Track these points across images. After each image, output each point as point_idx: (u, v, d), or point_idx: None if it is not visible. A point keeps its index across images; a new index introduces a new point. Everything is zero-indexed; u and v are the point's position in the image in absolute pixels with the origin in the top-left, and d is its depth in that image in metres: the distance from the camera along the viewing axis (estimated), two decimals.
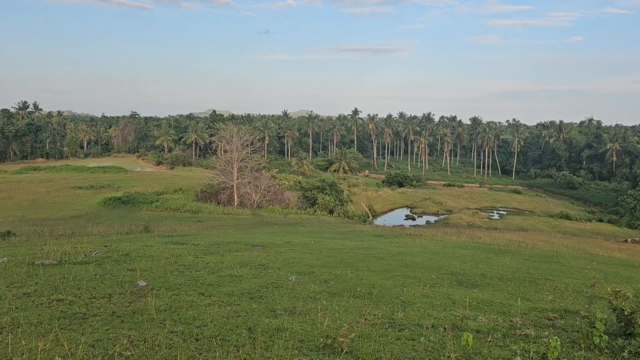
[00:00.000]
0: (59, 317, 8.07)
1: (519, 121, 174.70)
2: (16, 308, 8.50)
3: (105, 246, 18.40)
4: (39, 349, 6.41)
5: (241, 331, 7.68)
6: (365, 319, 8.78)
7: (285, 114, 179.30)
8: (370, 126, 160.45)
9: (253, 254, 17.28)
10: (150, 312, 8.59)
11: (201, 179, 75.23)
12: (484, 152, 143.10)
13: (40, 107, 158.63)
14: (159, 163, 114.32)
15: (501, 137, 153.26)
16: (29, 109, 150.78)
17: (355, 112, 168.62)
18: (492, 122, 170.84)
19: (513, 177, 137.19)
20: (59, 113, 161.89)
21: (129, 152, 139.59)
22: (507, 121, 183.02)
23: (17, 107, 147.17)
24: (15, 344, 6.65)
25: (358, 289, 11.57)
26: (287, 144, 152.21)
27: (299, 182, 62.35)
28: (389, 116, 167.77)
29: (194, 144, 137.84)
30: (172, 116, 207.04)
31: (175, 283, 11.29)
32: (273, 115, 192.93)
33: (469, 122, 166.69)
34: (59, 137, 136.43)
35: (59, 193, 63.32)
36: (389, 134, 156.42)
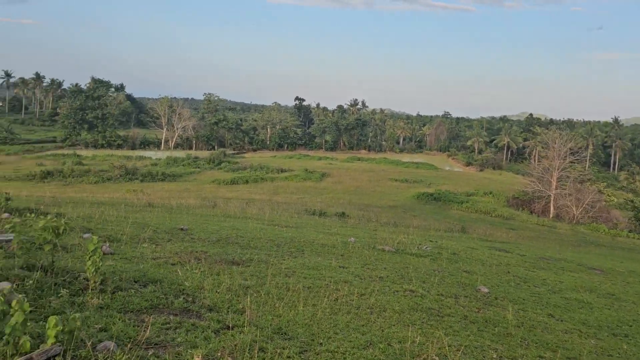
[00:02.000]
0: (416, 309, 8.26)
1: None
2: (373, 291, 9.05)
3: (430, 241, 18.92)
4: (409, 340, 6.53)
5: None
6: None
7: (615, 120, 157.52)
8: None
9: (593, 278, 15.23)
10: (504, 325, 8.10)
11: (512, 184, 72.26)
12: None
13: (367, 104, 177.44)
14: (468, 164, 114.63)
15: None
16: (358, 106, 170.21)
17: None
18: None
19: None
20: (381, 110, 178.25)
21: (440, 151, 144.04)
22: None
23: (350, 103, 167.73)
24: (383, 330, 6.97)
25: None
26: (614, 155, 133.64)
27: (631, 201, 53.62)
28: None
29: (505, 148, 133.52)
30: (484, 117, 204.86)
31: (518, 297, 10.56)
32: (599, 122, 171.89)
33: None
34: (379, 132, 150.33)
35: (379, 183, 69.43)
36: None
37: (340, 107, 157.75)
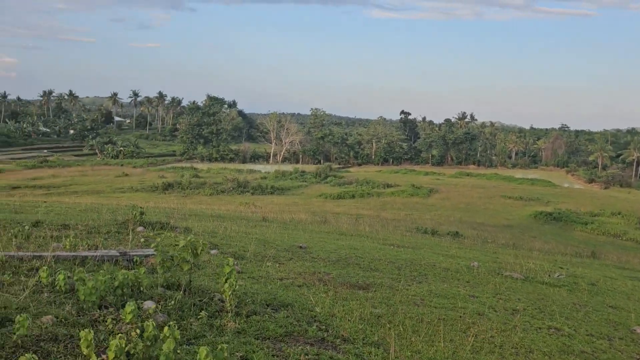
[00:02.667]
0: (566, 352, 7.36)
1: None
2: (515, 327, 8.23)
3: (561, 267, 17.36)
4: None
5: None
6: None
7: None
8: None
9: None
10: None
11: None
12: None
13: (475, 117, 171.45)
14: (590, 180, 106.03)
15: None
16: (466, 119, 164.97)
17: None
18: None
19: None
20: (491, 124, 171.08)
21: (557, 166, 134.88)
22: None
23: (457, 117, 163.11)
24: None
25: None
26: None
27: None
28: None
29: (635, 163, 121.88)
30: (608, 130, 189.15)
31: None
32: None
33: None
34: (489, 146, 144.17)
35: (490, 200, 66.28)
36: None
37: (447, 120, 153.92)
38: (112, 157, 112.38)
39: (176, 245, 10.83)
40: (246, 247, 12.55)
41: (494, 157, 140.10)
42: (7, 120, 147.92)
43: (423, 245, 19.36)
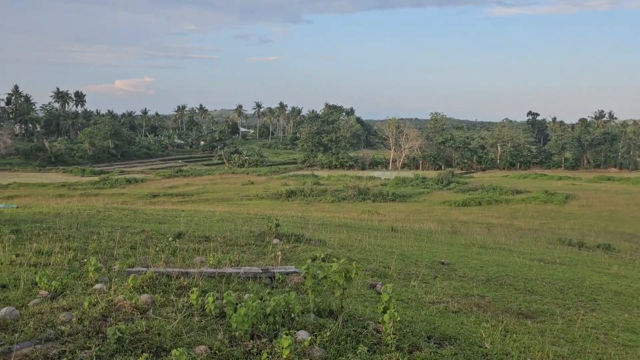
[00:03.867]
0: None
1: None
2: None
3: None
4: None
5: None
6: None
7: None
8: None
9: None
10: None
11: None
12: None
13: (615, 115, 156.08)
14: None
15: None
16: (604, 118, 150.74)
17: None
18: None
19: None
20: (634, 122, 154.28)
21: None
22: None
23: (594, 116, 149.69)
24: None
25: None
26: None
27: None
28: None
29: None
30: None
31: None
32: None
33: None
34: (633, 146, 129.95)
35: (639, 208, 59.16)
36: None
37: (582, 120, 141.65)
38: (238, 165, 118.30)
39: (318, 260, 10.35)
40: (386, 263, 11.74)
41: (638, 159, 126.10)
42: (147, 134, 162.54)
43: (577, 262, 17.17)
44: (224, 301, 6.12)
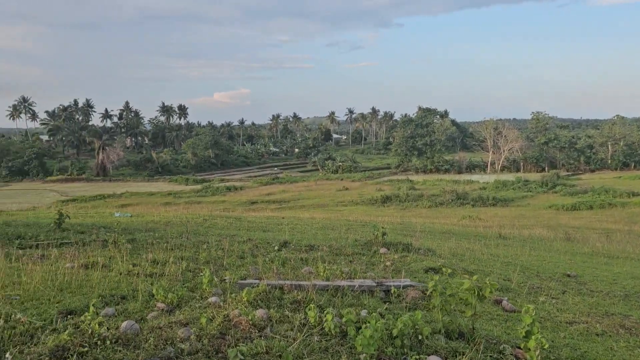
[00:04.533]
0: None
1: None
2: None
3: None
4: None
5: None
6: None
7: None
8: None
9: None
10: None
11: None
12: None
13: None
14: None
15: None
16: None
17: None
18: None
19: None
20: None
21: None
22: None
23: None
24: None
25: None
26: None
27: None
28: None
29: None
30: None
31: None
32: None
33: None
34: None
35: None
36: None
37: None
38: (332, 172, 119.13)
39: (432, 271, 9.68)
40: (505, 275, 10.77)
41: None
42: (244, 143, 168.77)
43: None
44: (344, 319, 5.68)
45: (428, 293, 6.70)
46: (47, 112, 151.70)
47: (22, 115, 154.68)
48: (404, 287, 8.13)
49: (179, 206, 56.51)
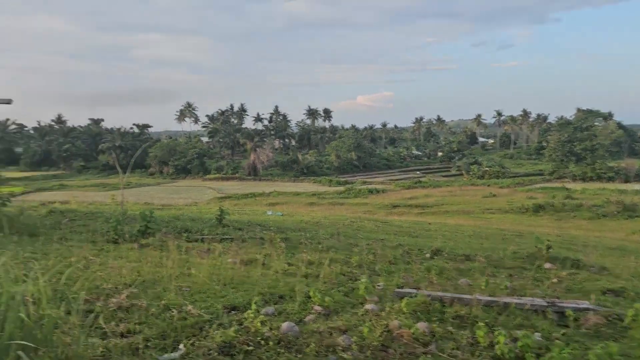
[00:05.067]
0: None
1: None
2: None
3: None
4: None
5: None
6: None
7: None
8: None
9: None
10: None
11: None
12: None
13: None
14: None
15: None
16: None
17: None
18: None
19: None
20: None
21: None
22: None
23: None
24: None
25: None
26: None
27: None
28: None
29: None
30: None
31: None
32: None
33: None
34: None
35: None
36: None
37: None
38: (477, 177, 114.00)
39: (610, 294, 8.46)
40: None
41: None
42: (386, 146, 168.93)
43: None
44: (519, 344, 5.07)
45: (626, 322, 5.75)
46: (207, 115, 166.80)
47: (187, 118, 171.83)
48: (581, 310, 7.16)
49: (323, 207, 58.00)
